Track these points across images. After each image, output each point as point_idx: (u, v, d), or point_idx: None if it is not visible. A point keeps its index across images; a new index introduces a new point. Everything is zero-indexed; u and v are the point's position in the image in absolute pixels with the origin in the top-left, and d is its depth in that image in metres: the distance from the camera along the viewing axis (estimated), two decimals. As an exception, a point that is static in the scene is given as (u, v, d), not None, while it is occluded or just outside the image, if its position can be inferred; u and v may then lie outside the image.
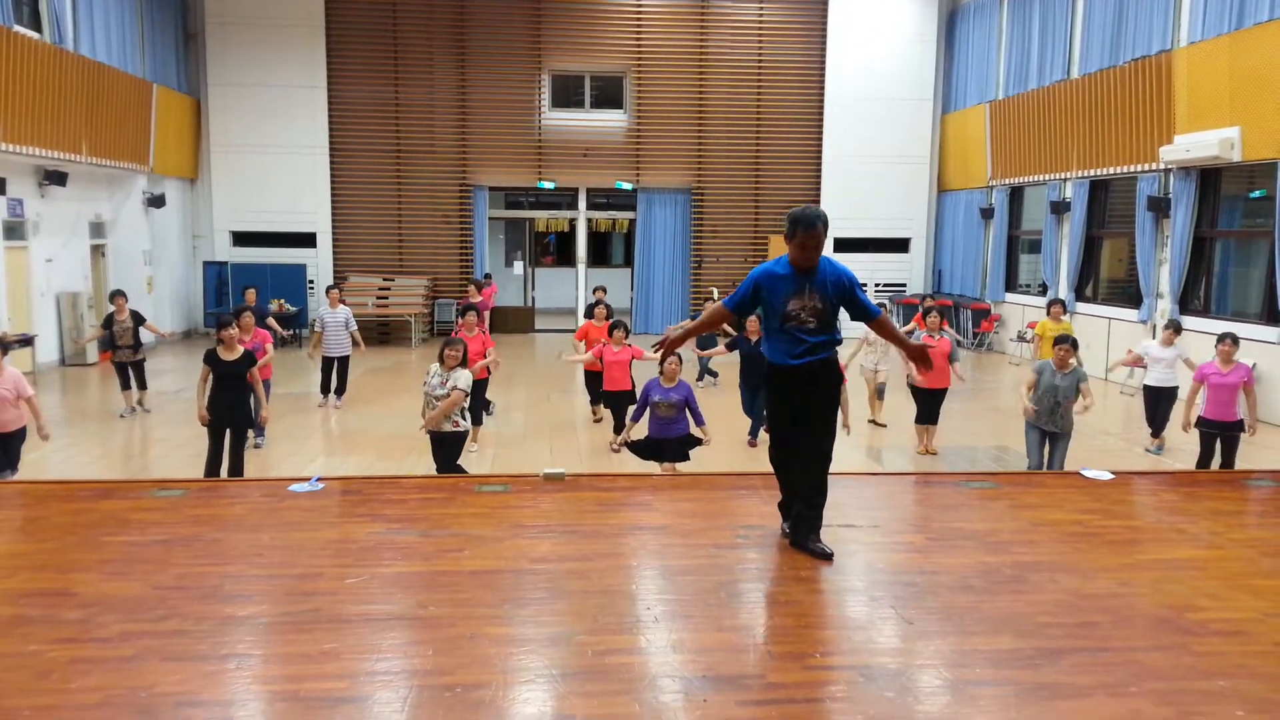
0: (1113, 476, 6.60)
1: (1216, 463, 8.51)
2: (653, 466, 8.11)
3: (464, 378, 7.57)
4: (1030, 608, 4.27)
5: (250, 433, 10.09)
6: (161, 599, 4.26)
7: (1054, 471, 7.75)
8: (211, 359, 8.06)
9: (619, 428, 9.95)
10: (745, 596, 4.50)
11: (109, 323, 11.64)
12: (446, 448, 7.62)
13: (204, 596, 4.30)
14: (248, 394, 8.10)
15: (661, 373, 7.97)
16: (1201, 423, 8.51)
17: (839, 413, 5.23)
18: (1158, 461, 10.15)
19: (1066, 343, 8.10)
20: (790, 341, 4.90)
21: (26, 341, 14.02)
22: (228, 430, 8.11)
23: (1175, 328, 10.37)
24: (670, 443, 7.92)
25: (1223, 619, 4.18)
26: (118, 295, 11.86)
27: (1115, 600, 4.38)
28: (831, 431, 5.08)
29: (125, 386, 11.78)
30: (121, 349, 11.60)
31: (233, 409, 7.99)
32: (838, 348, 5.05)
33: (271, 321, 12.62)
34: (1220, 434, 8.43)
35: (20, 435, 7.65)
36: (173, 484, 6.40)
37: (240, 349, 8.10)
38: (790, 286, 4.87)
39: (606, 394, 10.37)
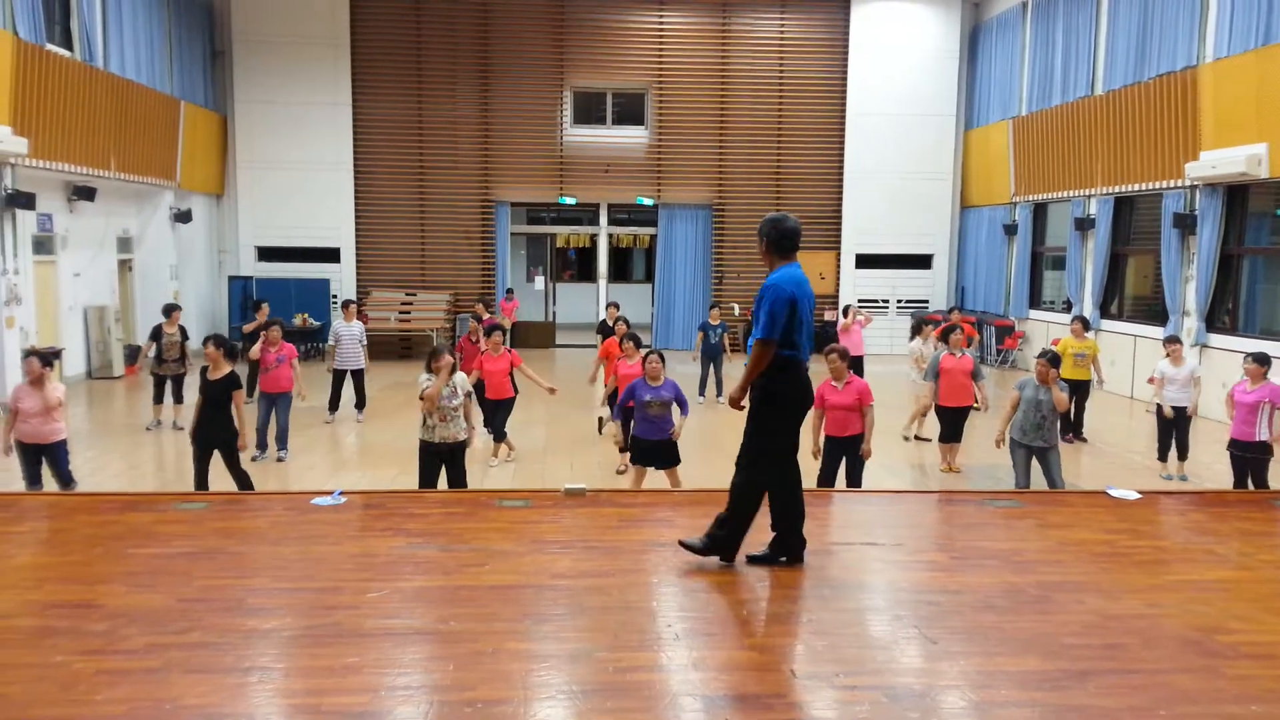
0: (1139, 496, 6.53)
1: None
2: (661, 479, 8.00)
3: (465, 381, 7.59)
4: (1056, 628, 4.22)
5: (273, 445, 10.20)
6: (185, 611, 4.29)
7: (1079, 490, 7.67)
8: (201, 375, 8.02)
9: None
10: (767, 615, 4.48)
11: (157, 334, 11.76)
12: (455, 456, 7.62)
13: (227, 609, 4.33)
14: (229, 412, 7.98)
15: (645, 373, 7.95)
16: (1230, 444, 8.29)
17: (763, 438, 4.89)
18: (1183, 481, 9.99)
19: (1045, 357, 7.82)
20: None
21: (54, 354, 14.19)
22: (215, 450, 7.93)
23: (1174, 340, 10.06)
24: (660, 446, 7.87)
25: (1254, 642, 4.12)
26: (174, 310, 11.97)
27: (1143, 621, 4.32)
28: (750, 455, 4.88)
29: (158, 400, 11.86)
30: (168, 362, 11.73)
31: (211, 428, 7.86)
32: (787, 363, 4.86)
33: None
34: (1244, 455, 8.14)
35: (63, 446, 7.59)
36: (196, 497, 6.45)
37: (227, 368, 7.91)
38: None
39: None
